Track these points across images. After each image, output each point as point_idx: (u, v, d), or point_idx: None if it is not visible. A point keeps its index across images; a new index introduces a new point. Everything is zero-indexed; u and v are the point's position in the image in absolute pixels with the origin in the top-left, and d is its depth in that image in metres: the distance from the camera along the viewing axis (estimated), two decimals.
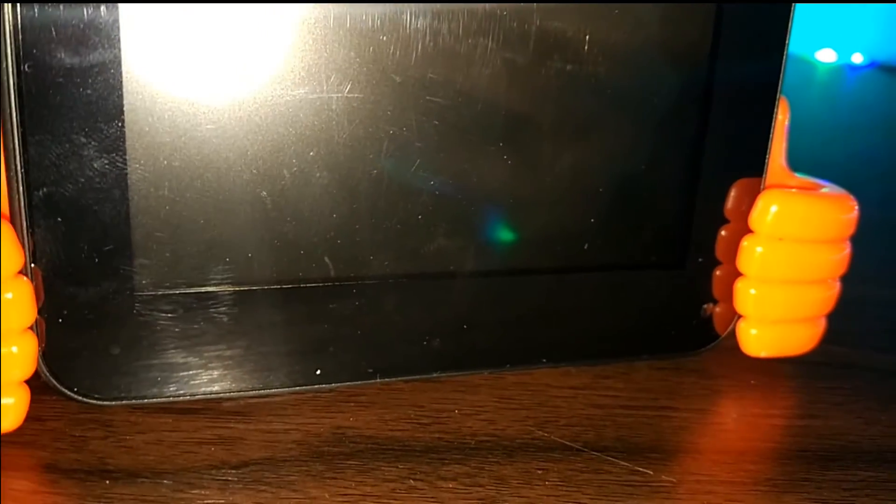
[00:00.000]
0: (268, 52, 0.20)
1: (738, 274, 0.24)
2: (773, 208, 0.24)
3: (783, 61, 0.23)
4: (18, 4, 0.18)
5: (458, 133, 0.21)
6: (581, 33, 0.21)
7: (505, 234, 0.23)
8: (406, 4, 0.20)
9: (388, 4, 0.20)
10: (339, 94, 0.20)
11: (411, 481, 0.20)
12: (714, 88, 0.23)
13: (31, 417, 0.20)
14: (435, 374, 0.23)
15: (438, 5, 0.20)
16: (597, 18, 0.22)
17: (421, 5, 0.20)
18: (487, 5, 0.20)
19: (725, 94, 0.23)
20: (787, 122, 0.25)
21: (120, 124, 0.19)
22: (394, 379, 0.23)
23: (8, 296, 0.19)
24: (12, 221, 0.19)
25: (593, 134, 0.23)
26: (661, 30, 0.22)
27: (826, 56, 1.00)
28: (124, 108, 0.19)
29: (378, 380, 0.23)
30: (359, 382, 0.23)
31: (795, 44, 0.24)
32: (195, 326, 0.21)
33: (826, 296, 0.25)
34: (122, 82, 0.19)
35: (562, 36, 0.21)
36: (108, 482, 0.19)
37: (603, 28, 0.22)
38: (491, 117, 0.21)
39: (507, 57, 0.21)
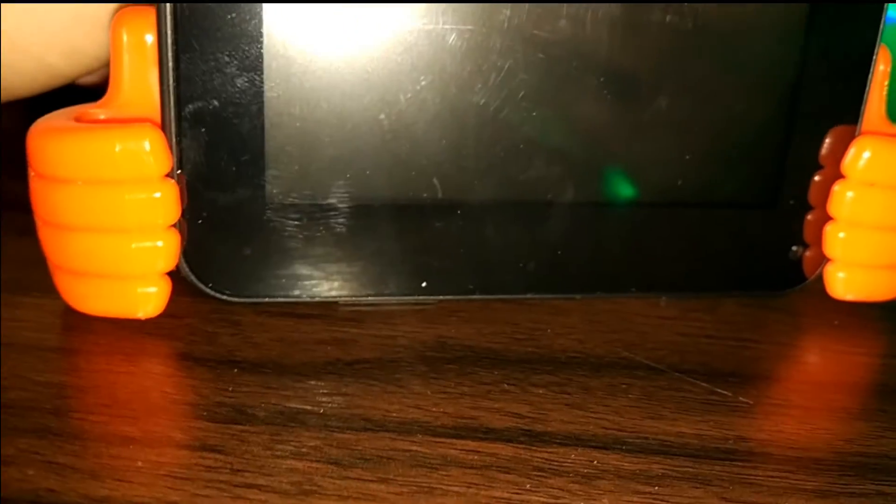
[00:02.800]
0: None
1: (829, 218, 0.25)
2: (866, 154, 0.24)
3: (884, 9, 0.24)
4: None
5: (562, 67, 0.23)
6: None
7: (601, 167, 0.24)
8: None
9: None
10: (452, 27, 0.22)
11: (505, 385, 0.22)
12: (812, 34, 0.24)
13: (168, 314, 0.23)
14: (529, 296, 0.25)
15: None
16: None
17: None
18: None
19: (823, 40, 0.24)
20: (887, 72, 0.25)
21: (259, 46, 0.21)
22: (491, 297, 0.25)
23: (156, 195, 0.21)
24: (163, 130, 0.21)
25: (692, 76, 0.24)
26: None
27: None
28: (264, 34, 0.21)
29: (477, 296, 0.24)
30: (460, 297, 0.24)
31: None
32: (317, 235, 0.23)
33: None
34: (262, 9, 0.21)
35: None
36: (235, 370, 0.21)
37: None
38: (594, 53, 0.23)
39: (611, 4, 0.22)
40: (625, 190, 0.24)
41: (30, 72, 0.26)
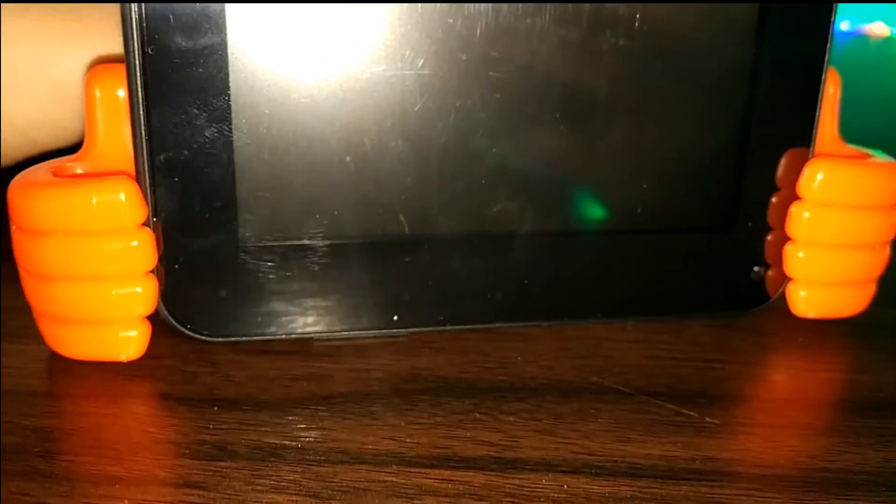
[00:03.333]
0: (351, 35, 0.23)
1: (788, 238, 0.26)
2: (819, 175, 0.25)
3: (830, 32, 0.25)
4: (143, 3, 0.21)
5: (518, 105, 0.24)
6: (632, 10, 0.23)
7: (561, 198, 0.25)
8: None
9: None
10: (413, 71, 0.23)
11: (477, 414, 0.22)
12: (762, 60, 0.25)
13: (149, 355, 0.23)
14: (498, 325, 0.26)
15: None
16: None
17: None
18: None
19: (773, 65, 0.25)
20: (837, 94, 0.26)
21: (227, 98, 0.22)
22: (461, 327, 0.25)
23: (133, 243, 0.22)
24: (138, 181, 0.22)
25: (645, 105, 0.25)
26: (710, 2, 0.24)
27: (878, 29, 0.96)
28: (230, 85, 0.22)
29: (447, 327, 0.25)
30: (431, 329, 0.25)
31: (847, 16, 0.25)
32: (290, 274, 0.24)
33: (874, 260, 0.26)
34: (228, 63, 0.22)
35: (614, 13, 0.23)
36: (215, 409, 0.22)
37: (652, 6, 0.24)
38: (548, 90, 0.24)
39: (562, 34, 0.23)
40: (585, 219, 0.25)
41: (16, 145, 0.27)
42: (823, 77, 0.25)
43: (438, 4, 0.22)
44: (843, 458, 0.21)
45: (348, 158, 0.23)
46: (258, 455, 0.20)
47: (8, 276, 0.25)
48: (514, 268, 0.25)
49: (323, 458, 0.20)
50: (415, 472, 0.20)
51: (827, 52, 0.25)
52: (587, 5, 0.23)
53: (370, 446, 0.21)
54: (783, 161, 0.26)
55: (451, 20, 0.23)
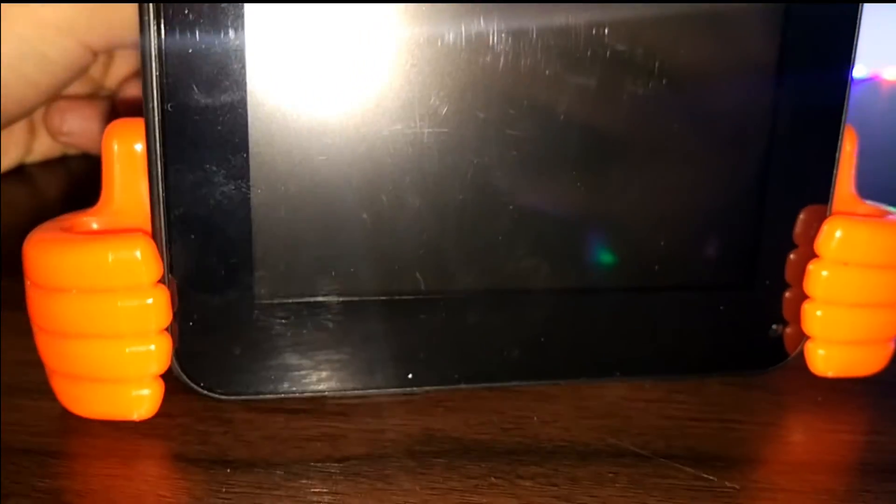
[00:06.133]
0: (368, 94, 0.23)
1: (806, 296, 0.26)
2: (838, 234, 0.25)
3: (847, 93, 0.25)
4: (164, 55, 0.21)
5: (535, 162, 0.24)
6: (650, 64, 0.23)
7: (578, 256, 0.25)
8: (489, 48, 0.22)
9: (471, 49, 0.22)
10: (430, 130, 0.23)
11: (492, 479, 0.22)
12: (779, 117, 0.25)
13: (162, 414, 0.23)
14: (514, 383, 0.25)
15: (515, 49, 0.23)
16: (665, 52, 0.23)
17: (500, 49, 0.22)
18: (555, 45, 0.23)
19: (791, 122, 0.25)
20: (854, 151, 0.26)
21: (245, 156, 0.22)
22: (477, 386, 0.25)
23: (149, 301, 0.22)
24: (154, 237, 0.22)
25: (662, 161, 0.25)
26: (727, 57, 0.24)
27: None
28: (249, 143, 0.22)
29: (462, 385, 0.25)
30: (446, 387, 0.25)
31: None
32: (305, 332, 0.23)
33: (894, 318, 0.26)
34: (247, 120, 0.22)
35: (630, 65, 0.23)
36: (228, 471, 0.22)
37: (670, 61, 0.24)
38: (565, 148, 0.24)
39: (578, 94, 0.23)
40: (602, 276, 0.25)
41: (10, 83, 0.32)
42: (841, 134, 0.25)
43: (456, 62, 0.22)
44: None
45: (365, 215, 0.23)
46: None
47: (22, 330, 0.25)
48: (531, 325, 0.25)
49: None
50: None
51: (845, 109, 0.25)
52: (605, 55, 0.23)
53: None
54: (801, 218, 0.26)
55: (470, 79, 0.23)
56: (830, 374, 0.26)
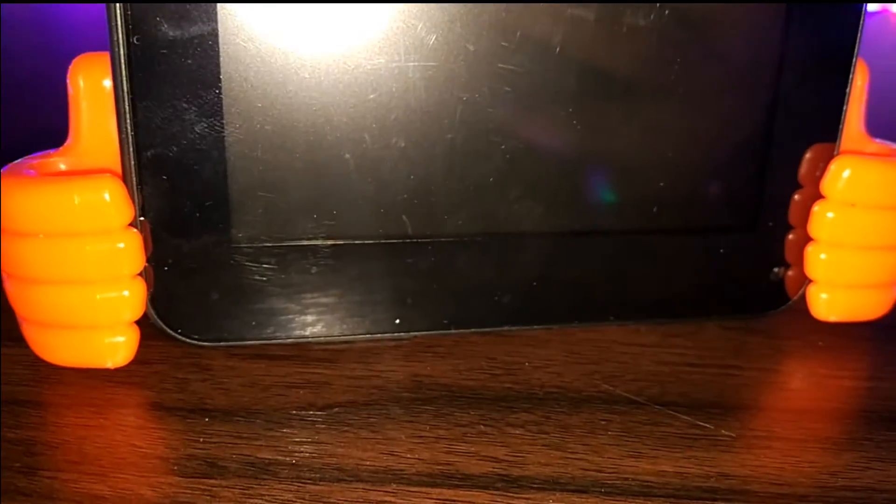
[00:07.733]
0: (351, 24, 0.21)
1: (809, 239, 0.25)
2: (845, 174, 0.24)
3: (860, 24, 0.23)
4: None
5: (529, 99, 0.22)
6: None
7: (573, 197, 0.24)
8: None
9: None
10: (416, 63, 0.21)
11: (482, 427, 0.21)
12: (788, 52, 0.23)
13: (139, 361, 0.22)
14: (506, 328, 0.24)
15: None
16: None
17: None
18: None
19: (800, 55, 0.23)
20: (865, 87, 0.25)
21: (218, 91, 0.21)
22: (467, 331, 0.24)
23: (119, 245, 0.21)
24: (124, 179, 0.21)
25: (663, 97, 0.23)
26: None
27: None
28: (221, 77, 0.21)
29: (452, 331, 0.24)
30: (435, 332, 0.24)
31: None
32: (286, 276, 0.23)
33: None
34: (219, 53, 0.21)
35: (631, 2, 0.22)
36: (207, 420, 0.21)
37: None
38: (561, 82, 0.22)
39: (575, 26, 0.22)
40: (598, 218, 0.24)
41: None
42: (852, 68, 0.24)
43: None
44: (866, 475, 0.20)
45: (347, 155, 0.22)
46: (250, 472, 0.19)
47: None
48: (523, 269, 0.24)
49: (318, 475, 0.19)
50: (415, 492, 0.19)
51: (858, 41, 0.23)
52: None
53: (368, 463, 0.20)
54: (807, 157, 0.24)
55: (458, 8, 0.21)
56: (833, 318, 0.25)
